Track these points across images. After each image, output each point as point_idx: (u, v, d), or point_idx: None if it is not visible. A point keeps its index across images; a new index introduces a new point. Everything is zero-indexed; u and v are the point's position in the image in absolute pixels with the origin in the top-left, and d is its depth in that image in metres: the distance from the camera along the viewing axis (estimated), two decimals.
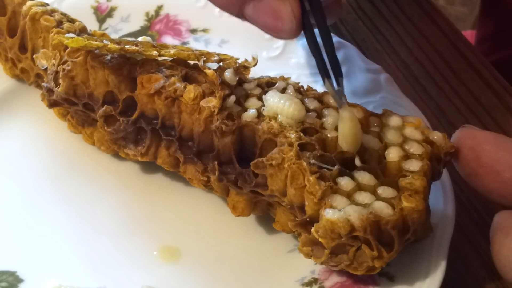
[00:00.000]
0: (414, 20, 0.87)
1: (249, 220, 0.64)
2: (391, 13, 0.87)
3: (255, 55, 0.63)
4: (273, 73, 0.68)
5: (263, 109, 0.59)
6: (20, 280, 0.60)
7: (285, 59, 0.76)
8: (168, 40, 0.78)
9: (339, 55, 0.75)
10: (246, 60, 0.63)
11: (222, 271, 0.62)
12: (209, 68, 0.60)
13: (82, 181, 0.67)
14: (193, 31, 0.78)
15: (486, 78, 0.80)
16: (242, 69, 0.63)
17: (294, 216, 0.58)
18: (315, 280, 0.59)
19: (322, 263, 0.57)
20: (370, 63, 0.74)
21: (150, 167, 0.68)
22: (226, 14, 0.76)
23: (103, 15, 0.78)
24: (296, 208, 0.57)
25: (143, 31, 0.78)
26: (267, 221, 0.64)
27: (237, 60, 0.63)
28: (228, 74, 0.61)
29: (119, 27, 0.78)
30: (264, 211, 0.62)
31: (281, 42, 0.77)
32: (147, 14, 0.79)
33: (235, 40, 0.77)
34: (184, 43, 0.77)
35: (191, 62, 0.64)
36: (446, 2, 1.91)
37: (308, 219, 0.56)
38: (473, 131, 0.56)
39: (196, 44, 0.77)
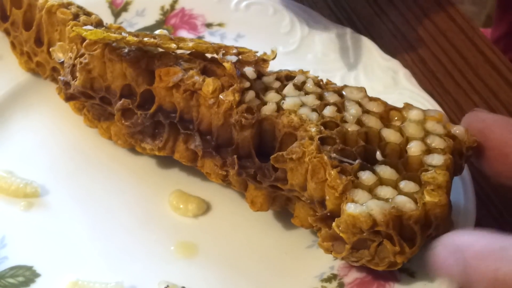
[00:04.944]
0: (431, 16, 0.86)
1: (267, 215, 0.64)
2: (407, 9, 0.86)
3: (274, 48, 0.63)
4: (289, 67, 0.67)
5: (283, 103, 0.59)
6: (37, 275, 0.59)
7: (301, 54, 0.75)
8: (184, 34, 0.77)
9: (356, 50, 0.75)
10: (265, 54, 0.62)
11: (240, 267, 0.61)
12: (228, 61, 0.60)
13: (98, 176, 0.66)
14: (209, 25, 0.78)
15: (504, 73, 0.79)
16: (261, 62, 0.62)
17: (314, 211, 0.57)
18: (334, 276, 0.59)
19: (342, 259, 0.56)
20: (389, 58, 0.74)
21: (166, 161, 0.67)
22: (242, 8, 0.76)
23: (118, 9, 0.77)
24: (316, 202, 0.56)
25: (158, 25, 0.77)
26: (284, 216, 0.63)
27: (256, 54, 0.62)
28: (247, 67, 0.60)
29: (135, 21, 0.77)
30: (283, 206, 0.61)
31: (297, 37, 0.77)
32: (162, 8, 0.78)
33: (251, 35, 0.76)
34: (199, 38, 0.77)
35: (209, 55, 0.63)
36: (455, 0, 1.90)
37: (328, 214, 0.55)
38: (482, 114, 0.57)
39: (211, 38, 0.77)
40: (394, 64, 0.73)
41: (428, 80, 0.78)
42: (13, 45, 0.71)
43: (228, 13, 0.78)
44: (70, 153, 0.68)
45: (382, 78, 0.72)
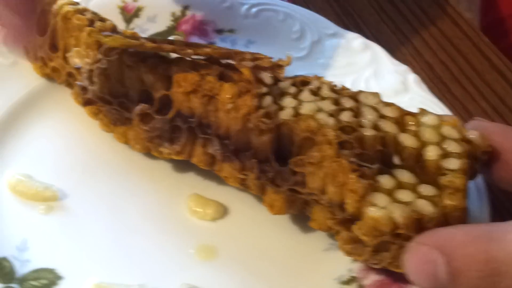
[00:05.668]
0: (436, 22, 0.87)
1: (283, 218, 0.65)
2: (413, 15, 0.88)
3: (289, 54, 0.63)
4: (300, 73, 0.68)
5: (300, 108, 0.59)
6: (59, 277, 0.60)
7: (312, 60, 0.76)
8: (195, 40, 0.78)
9: (366, 56, 0.76)
10: (280, 59, 0.63)
11: (259, 269, 0.62)
12: (245, 67, 0.60)
13: (115, 180, 0.67)
14: (219, 31, 0.79)
15: (510, 79, 0.80)
16: (276, 68, 0.63)
17: (333, 214, 0.58)
18: (353, 278, 0.59)
19: (363, 261, 0.57)
20: (398, 64, 0.75)
21: (181, 165, 0.68)
22: (252, 14, 0.77)
23: (130, 15, 0.78)
24: (336, 206, 0.57)
25: (169, 31, 0.78)
26: (300, 219, 0.64)
27: (271, 59, 0.63)
28: (263, 73, 0.61)
29: (146, 27, 0.78)
30: (300, 209, 0.62)
31: (308, 43, 0.77)
32: (173, 14, 0.79)
33: (262, 41, 0.77)
34: (211, 43, 0.77)
35: (224, 61, 0.64)
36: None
37: (348, 217, 0.56)
38: (482, 123, 0.59)
39: (222, 44, 0.77)
40: (403, 69, 0.74)
41: (435, 85, 0.79)
42: (27, 51, 0.72)
43: (239, 20, 0.78)
44: (87, 157, 0.68)
45: (392, 83, 0.73)
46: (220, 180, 0.66)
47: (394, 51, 0.81)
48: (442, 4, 0.89)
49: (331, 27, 0.78)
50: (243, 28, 0.78)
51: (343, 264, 0.61)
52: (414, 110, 0.60)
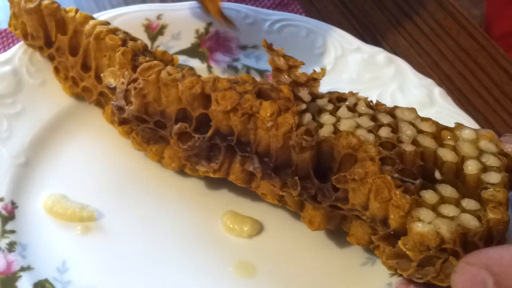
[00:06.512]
0: (452, 35, 0.88)
1: (318, 233, 0.65)
2: (429, 28, 0.89)
3: (324, 66, 0.64)
4: (325, 88, 0.69)
5: (339, 125, 0.60)
6: None
7: (336, 74, 0.77)
8: (219, 57, 0.78)
9: (391, 70, 0.76)
10: (314, 72, 0.64)
11: (299, 285, 0.62)
12: (285, 85, 0.61)
13: (150, 198, 0.67)
14: (243, 47, 0.79)
15: None
16: (311, 82, 0.63)
17: (373, 229, 0.59)
18: None
19: (408, 276, 0.57)
20: (422, 77, 0.75)
21: (214, 183, 0.68)
22: (275, 30, 0.78)
23: (154, 32, 0.78)
24: (378, 221, 0.57)
25: (194, 48, 0.79)
26: (335, 234, 0.65)
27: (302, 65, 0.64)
28: (302, 90, 0.62)
29: (171, 45, 0.78)
30: (337, 224, 0.63)
31: (331, 57, 0.78)
32: (197, 31, 0.79)
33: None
34: (235, 60, 0.78)
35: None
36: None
37: (392, 232, 0.57)
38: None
39: (247, 60, 0.78)
40: (428, 82, 0.75)
41: (456, 97, 0.81)
42: (56, 70, 0.72)
43: (262, 35, 0.79)
44: (121, 176, 0.69)
45: (418, 97, 0.74)
46: (253, 196, 0.66)
47: (413, 64, 0.82)
48: (457, 17, 0.90)
49: (353, 41, 0.79)
50: None
51: (381, 278, 0.62)
52: (441, 123, 0.61)
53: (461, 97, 0.81)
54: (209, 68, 0.78)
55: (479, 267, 0.51)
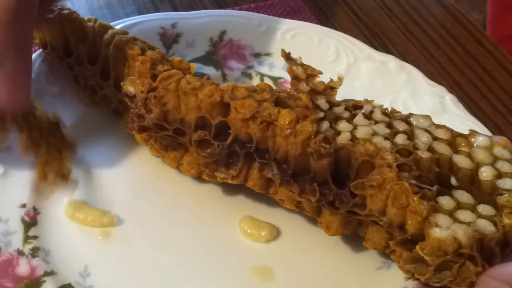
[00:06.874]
0: (460, 41, 0.90)
1: (334, 238, 0.66)
2: (437, 34, 0.90)
3: (341, 75, 0.65)
4: (338, 95, 0.70)
5: (356, 132, 0.62)
6: None
7: (349, 82, 0.77)
8: (233, 64, 0.80)
9: (402, 77, 0.78)
10: (331, 80, 0.65)
11: None
12: (303, 93, 0.62)
13: (168, 204, 0.69)
14: (257, 55, 0.81)
15: None
16: (329, 90, 0.65)
17: (390, 234, 0.60)
18: None
19: (425, 280, 0.59)
20: (434, 84, 0.77)
21: (231, 188, 0.70)
22: (288, 38, 0.79)
23: (169, 41, 0.80)
24: (396, 227, 0.59)
25: (208, 56, 0.80)
26: (350, 238, 0.66)
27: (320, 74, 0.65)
28: (320, 99, 0.63)
29: (185, 53, 0.79)
30: (353, 229, 0.64)
31: (344, 65, 0.79)
32: (211, 39, 0.81)
33: None
34: (249, 67, 0.79)
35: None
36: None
37: (409, 238, 0.58)
38: None
39: (260, 67, 0.80)
40: (440, 89, 0.76)
41: (466, 103, 0.82)
42: (76, 79, 0.73)
43: (275, 43, 0.80)
44: (139, 183, 0.70)
45: (430, 104, 0.75)
46: (269, 202, 0.68)
47: (423, 71, 0.83)
48: (465, 23, 0.91)
49: (365, 49, 0.80)
50: (279, 52, 0.80)
51: (397, 282, 0.63)
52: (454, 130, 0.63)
53: (470, 103, 0.82)
54: (224, 75, 0.79)
55: (501, 281, 0.52)
